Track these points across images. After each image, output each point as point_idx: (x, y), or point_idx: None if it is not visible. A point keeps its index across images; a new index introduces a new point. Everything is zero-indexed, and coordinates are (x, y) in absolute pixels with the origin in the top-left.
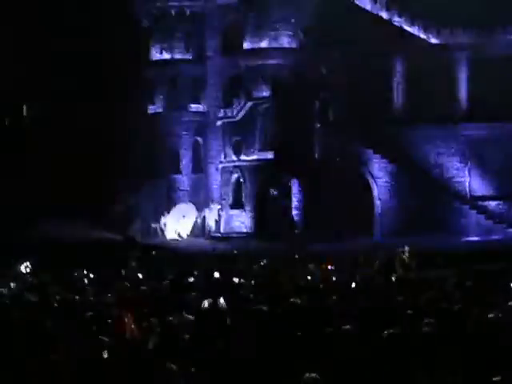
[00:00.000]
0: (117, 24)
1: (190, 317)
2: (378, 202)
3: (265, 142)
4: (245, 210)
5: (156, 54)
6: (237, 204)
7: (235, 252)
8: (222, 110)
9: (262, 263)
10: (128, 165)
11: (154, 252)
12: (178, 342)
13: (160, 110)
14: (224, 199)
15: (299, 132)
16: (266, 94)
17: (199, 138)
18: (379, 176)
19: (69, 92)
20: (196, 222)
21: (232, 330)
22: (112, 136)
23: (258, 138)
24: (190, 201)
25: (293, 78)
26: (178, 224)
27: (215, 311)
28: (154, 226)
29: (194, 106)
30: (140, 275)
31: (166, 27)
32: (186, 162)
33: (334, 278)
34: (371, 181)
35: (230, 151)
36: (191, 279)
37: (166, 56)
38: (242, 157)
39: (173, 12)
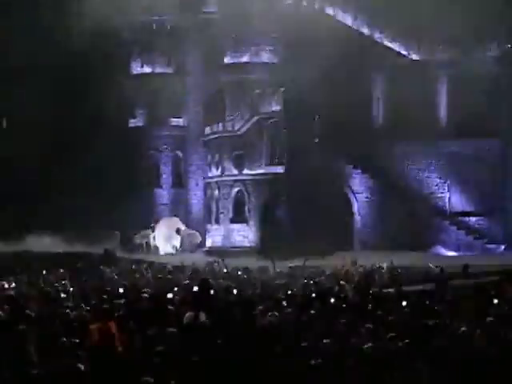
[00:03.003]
0: (97, 38)
1: (172, 329)
2: (357, 217)
3: (272, 156)
4: (248, 224)
5: (136, 68)
6: (238, 218)
7: (217, 265)
8: (219, 124)
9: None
10: (108, 178)
11: (133, 266)
12: (158, 355)
13: (140, 124)
14: (222, 213)
15: (304, 146)
16: (275, 108)
17: (179, 153)
18: (359, 191)
19: (47, 105)
20: (184, 236)
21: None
22: (91, 149)
23: (265, 152)
24: (172, 215)
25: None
26: (172, 238)
27: (196, 325)
28: (139, 241)
29: (174, 120)
30: (121, 289)
31: (147, 41)
32: (166, 176)
33: (313, 294)
34: (351, 196)
35: (229, 165)
36: (170, 294)
37: (147, 70)
38: (246, 171)
39: (154, 26)
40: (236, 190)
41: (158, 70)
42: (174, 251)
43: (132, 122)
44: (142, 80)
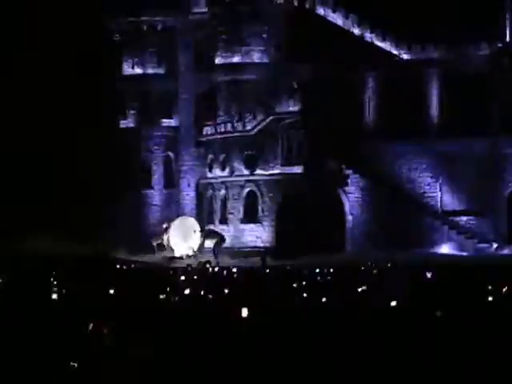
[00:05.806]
0: (89, 38)
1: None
2: (349, 217)
3: (288, 156)
4: (262, 225)
5: (128, 69)
6: (250, 218)
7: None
8: (227, 125)
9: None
10: (100, 179)
11: (124, 267)
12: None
13: (132, 125)
14: (231, 213)
15: (323, 146)
16: (292, 108)
17: (171, 153)
18: (351, 191)
19: (41, 105)
20: (207, 236)
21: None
22: (84, 150)
23: (281, 153)
24: (164, 216)
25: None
26: (189, 239)
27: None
28: (155, 242)
29: (165, 121)
30: (111, 291)
31: (138, 42)
32: (157, 176)
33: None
34: (343, 195)
35: (239, 166)
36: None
37: (138, 71)
38: (259, 171)
39: (145, 27)
40: (247, 190)
41: (149, 70)
42: (190, 252)
43: (123, 123)
44: (133, 81)
